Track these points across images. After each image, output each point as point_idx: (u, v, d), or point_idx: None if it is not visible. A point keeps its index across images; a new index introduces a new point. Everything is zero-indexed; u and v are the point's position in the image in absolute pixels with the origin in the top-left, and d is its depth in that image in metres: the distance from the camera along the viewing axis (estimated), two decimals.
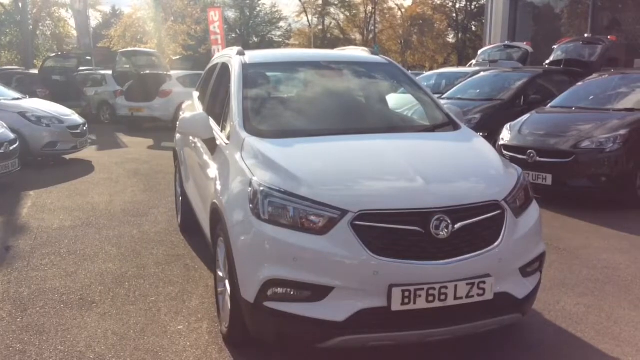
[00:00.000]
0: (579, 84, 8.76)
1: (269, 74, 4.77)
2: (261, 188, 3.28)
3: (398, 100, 5.22)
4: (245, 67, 4.54)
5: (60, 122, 10.41)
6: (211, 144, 4.27)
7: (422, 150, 3.81)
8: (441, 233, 3.08)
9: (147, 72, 17.26)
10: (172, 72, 17.58)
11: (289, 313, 3.14)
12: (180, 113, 6.34)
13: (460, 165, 3.65)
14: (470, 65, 17.09)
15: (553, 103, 8.46)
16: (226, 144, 4.07)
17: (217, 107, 4.88)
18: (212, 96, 5.16)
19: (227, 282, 3.67)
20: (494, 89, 10.44)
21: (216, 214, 3.82)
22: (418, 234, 3.07)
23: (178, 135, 6.17)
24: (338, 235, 3.07)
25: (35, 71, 18.98)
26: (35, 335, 3.86)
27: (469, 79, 11.52)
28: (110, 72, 18.97)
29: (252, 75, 4.51)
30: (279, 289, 3.17)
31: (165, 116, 16.58)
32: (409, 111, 4.84)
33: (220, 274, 3.88)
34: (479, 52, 17.23)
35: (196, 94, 6.13)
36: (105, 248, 5.71)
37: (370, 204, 3.12)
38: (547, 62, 12.52)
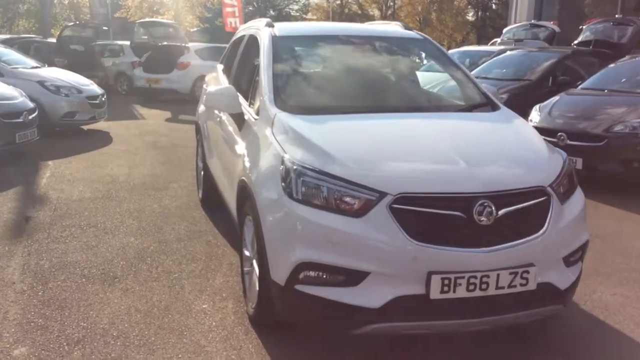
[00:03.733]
0: (611, 65, 8.49)
1: (299, 47, 4.59)
2: (294, 167, 3.14)
3: (430, 78, 5.03)
4: (275, 39, 4.36)
5: (79, 92, 10.30)
6: (239, 119, 4.12)
7: (462, 131, 3.64)
8: (484, 219, 2.93)
9: (165, 43, 17.05)
10: (191, 44, 17.38)
11: (322, 297, 3.01)
12: (204, 86, 6.18)
13: (504, 148, 3.48)
14: (494, 44, 16.74)
15: (584, 85, 8.21)
16: (255, 119, 3.92)
17: (244, 81, 4.73)
18: (238, 69, 5.00)
19: (254, 262, 3.55)
20: (522, 69, 10.17)
21: (244, 192, 3.70)
22: (460, 220, 2.93)
23: (201, 109, 6.02)
24: (375, 219, 2.93)
25: (53, 40, 18.83)
26: (57, 310, 3.77)
27: (495, 58, 11.24)
28: (128, 42, 18.79)
29: (283, 48, 4.34)
30: (311, 272, 3.04)
31: (182, 89, 16.45)
32: (442, 90, 4.64)
33: (247, 253, 3.76)
34: (504, 30, 16.83)
35: (220, 67, 5.98)
36: (126, 221, 5.61)
37: (410, 186, 2.97)
38: (576, 42, 12.18)
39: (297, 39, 4.62)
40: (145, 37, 17.69)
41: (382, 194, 2.94)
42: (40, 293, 4.02)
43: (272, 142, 3.49)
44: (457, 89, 4.46)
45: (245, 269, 3.83)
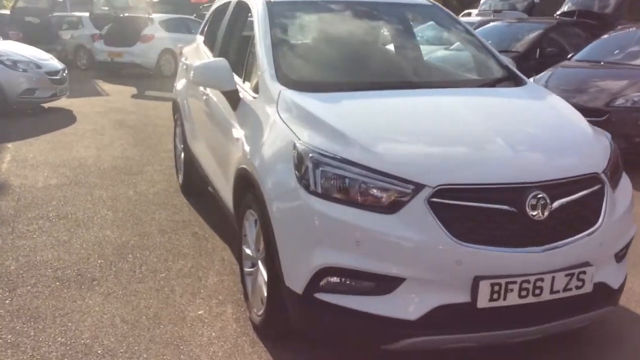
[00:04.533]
0: (604, 36, 8.18)
1: (299, 13, 4.06)
2: (310, 154, 2.67)
3: (437, 49, 4.56)
4: (269, 5, 3.84)
5: (38, 67, 9.53)
6: (233, 98, 3.61)
7: (496, 110, 3.21)
8: (538, 213, 2.51)
9: (127, 14, 16.18)
10: (155, 16, 16.52)
11: (347, 308, 2.58)
12: (182, 60, 5.60)
13: (548, 129, 3.06)
14: (467, 15, 16.37)
15: (578, 56, 7.88)
16: (254, 97, 3.42)
17: (234, 54, 4.20)
18: (225, 41, 4.45)
19: (260, 263, 3.09)
20: (506, 41, 9.80)
21: (245, 181, 3.22)
22: (510, 215, 2.51)
23: (180, 85, 5.45)
24: (411, 215, 2.50)
25: (6, 12, 17.71)
26: (29, 323, 3.26)
27: (478, 30, 10.84)
28: (87, 14, 17.81)
29: (280, 15, 3.82)
30: (334, 278, 2.61)
31: (147, 63, 15.69)
32: (454, 62, 4.19)
33: (248, 251, 3.30)
34: (482, 1, 16.44)
35: (201, 39, 5.40)
36: (99, 212, 5.06)
37: (452, 176, 2.53)
38: (559, 13, 11.86)
39: (296, 5, 4.08)
40: (106, 7, 16.75)
41: (419, 186, 2.50)
42: (7, 302, 3.49)
43: (279, 124, 3.01)
44: (473, 61, 4.02)
45: (246, 269, 3.37)
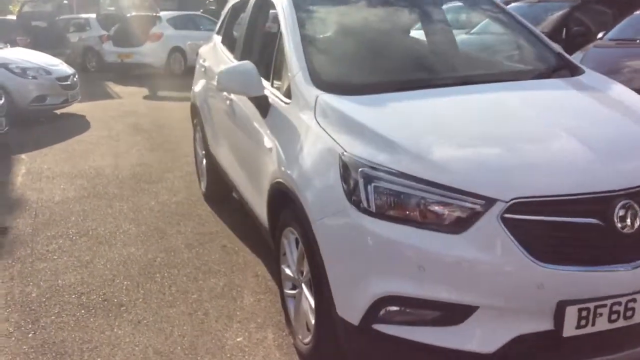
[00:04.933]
0: (637, 13, 7.75)
1: (330, 6, 3.72)
2: (360, 168, 2.37)
3: (474, 38, 4.23)
4: None
5: (48, 73, 9.27)
6: (262, 104, 3.31)
7: (562, 106, 2.88)
8: (627, 225, 2.20)
9: (134, 13, 15.90)
10: (162, 13, 16.23)
11: (411, 340, 2.29)
12: (200, 61, 5.30)
13: (626, 125, 2.73)
14: None
15: (611, 35, 7.48)
16: (286, 103, 3.12)
17: (256, 55, 3.90)
18: (246, 41, 4.14)
19: (304, 287, 2.81)
20: (532, 21, 9.38)
21: (281, 197, 2.93)
22: (596, 229, 2.19)
23: (198, 87, 5.16)
24: (482, 234, 2.19)
25: (13, 17, 17.50)
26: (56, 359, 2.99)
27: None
28: (93, 15, 17.54)
29: (307, 9, 3.50)
30: (395, 307, 2.31)
31: (157, 62, 15.43)
32: (497, 49, 3.83)
33: (289, 272, 3.02)
34: None
35: (218, 38, 5.09)
36: (121, 226, 4.80)
37: (527, 187, 2.22)
38: None
39: None
40: (112, 7, 16.50)
41: (490, 201, 2.19)
42: (30, 335, 3.23)
43: (318, 132, 2.71)
44: (515, 47, 3.67)
45: (287, 290, 3.09)
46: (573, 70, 3.35)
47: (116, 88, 13.60)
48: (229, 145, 4.21)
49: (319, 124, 2.75)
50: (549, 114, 2.66)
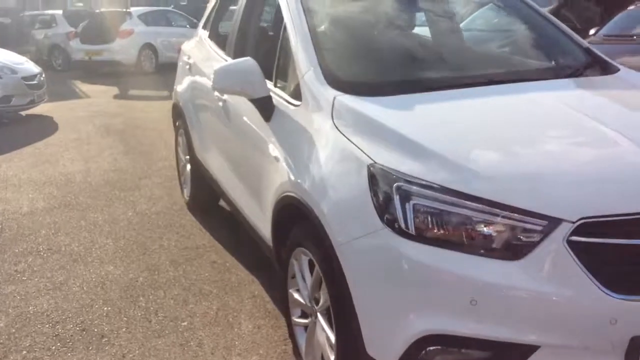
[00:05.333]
0: (632, 7, 7.57)
1: None
2: (397, 183, 2.01)
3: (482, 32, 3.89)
4: None
5: (13, 72, 8.69)
6: (265, 106, 2.91)
7: (610, 108, 2.56)
8: None
9: (103, 9, 15.32)
10: (133, 9, 15.64)
11: None
12: (184, 59, 4.85)
13: None
14: None
15: (605, 31, 7.27)
16: (294, 105, 2.74)
17: (253, 51, 3.50)
18: (240, 35, 3.74)
19: (320, 316, 2.43)
20: None
21: (292, 212, 2.57)
22: None
23: (183, 86, 4.72)
24: (544, 261, 1.85)
25: None
26: None
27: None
28: (60, 11, 16.85)
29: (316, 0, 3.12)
30: (439, 347, 1.95)
31: (127, 60, 14.84)
32: (519, 46, 3.48)
33: (299, 298, 2.64)
34: None
35: (204, 33, 4.66)
36: (97, 240, 4.35)
37: (598, 205, 1.88)
38: None
39: None
40: (80, 3, 15.86)
41: (554, 222, 1.85)
42: None
43: (338, 139, 2.35)
44: (541, 42, 3.34)
45: (296, 319, 2.71)
46: (604, 67, 3.03)
47: (84, 87, 13.00)
48: (222, 152, 3.80)
49: (337, 129, 2.38)
50: (601, 118, 2.33)
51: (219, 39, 4.28)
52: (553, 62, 3.20)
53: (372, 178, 2.08)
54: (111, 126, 8.56)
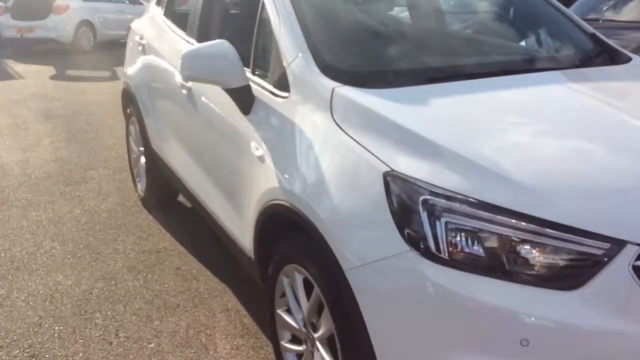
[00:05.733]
0: None
1: None
2: (424, 196, 1.68)
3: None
4: None
5: None
6: (243, 97, 2.52)
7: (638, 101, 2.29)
8: None
9: None
10: None
11: None
12: (134, 38, 4.35)
13: None
14: None
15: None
16: (281, 97, 2.35)
17: (222, 31, 3.09)
18: (205, 12, 3.30)
19: (321, 346, 2.09)
20: None
21: (282, 223, 2.20)
22: None
23: (134, 70, 4.24)
24: (606, 290, 1.56)
25: None
26: None
27: None
28: None
29: None
30: None
31: (63, 37, 13.93)
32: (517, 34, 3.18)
33: (291, 321, 2.29)
34: None
35: (158, 10, 4.18)
36: (42, 244, 3.86)
37: None
38: None
39: None
40: None
41: (617, 244, 1.56)
42: None
43: (341, 139, 2.00)
44: (551, 31, 3.04)
45: (286, 344, 2.36)
46: (614, 56, 2.77)
47: (17, 67, 12.10)
48: (185, 145, 3.38)
49: (339, 126, 2.02)
50: (631, 113, 2.05)
51: (177, 17, 3.83)
52: (563, 51, 2.91)
53: (390, 188, 1.74)
54: (50, 110, 7.90)
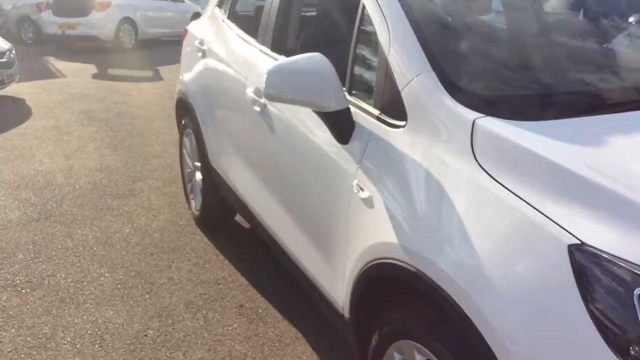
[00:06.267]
0: None
1: None
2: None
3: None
4: None
5: None
6: (341, 122, 2.08)
7: None
8: None
9: None
10: None
11: None
12: (194, 43, 3.94)
13: None
14: None
15: None
16: (394, 126, 1.90)
17: (306, 41, 2.65)
18: (282, 18, 2.87)
19: None
20: None
21: (396, 286, 1.74)
22: None
23: (191, 77, 3.83)
24: None
25: None
26: None
27: None
28: None
29: None
30: None
31: (104, 34, 13.70)
32: None
33: None
34: None
35: (220, 12, 3.76)
36: (89, 270, 3.49)
37: None
38: None
39: None
40: None
41: None
42: None
43: (495, 191, 1.52)
44: None
45: None
46: None
47: (58, 64, 11.88)
48: (254, 166, 2.96)
49: (487, 172, 1.56)
50: None
51: (244, 21, 3.41)
52: None
53: (581, 269, 1.28)
54: (93, 112, 7.58)
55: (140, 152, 5.83)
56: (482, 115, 1.66)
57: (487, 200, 1.52)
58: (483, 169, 1.57)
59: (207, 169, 3.70)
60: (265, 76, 2.07)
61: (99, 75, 10.74)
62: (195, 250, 3.74)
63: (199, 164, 3.88)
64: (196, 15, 16.79)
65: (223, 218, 3.94)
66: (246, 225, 4.00)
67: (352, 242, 1.98)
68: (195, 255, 3.67)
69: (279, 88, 2.07)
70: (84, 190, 4.77)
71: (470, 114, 1.67)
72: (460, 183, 1.61)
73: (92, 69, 11.34)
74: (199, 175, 3.93)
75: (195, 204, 4.08)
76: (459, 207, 1.57)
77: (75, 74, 10.70)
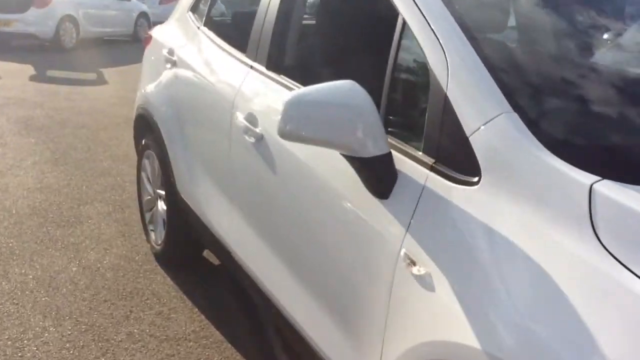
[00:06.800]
0: None
1: None
2: None
3: None
4: None
5: None
6: (380, 172, 1.60)
7: None
8: None
9: None
10: None
11: None
12: (161, 52, 3.33)
13: None
14: None
15: None
16: (464, 184, 1.44)
17: (319, 63, 2.17)
18: (281, 28, 2.37)
19: None
20: None
21: None
22: None
23: (154, 90, 3.27)
24: None
25: None
26: None
27: None
28: None
29: None
30: None
31: (43, 32, 12.80)
32: None
33: None
34: None
35: (194, 18, 3.23)
36: (31, 323, 2.89)
37: None
38: None
39: None
40: None
41: None
42: None
43: (630, 286, 1.07)
44: None
45: None
46: None
47: None
48: (244, 211, 2.45)
49: (618, 260, 1.12)
50: None
51: (227, 31, 2.90)
52: None
53: None
54: (31, 120, 6.84)
55: (86, 168, 5.19)
56: (599, 178, 1.22)
57: (617, 296, 1.08)
58: (609, 252, 1.13)
59: (174, 200, 3.15)
60: (281, 108, 1.58)
61: (38, 78, 9.90)
62: (157, 295, 3.18)
63: (162, 192, 3.33)
64: (142, 15, 16.04)
65: (190, 254, 3.40)
66: (215, 261, 3.48)
67: (395, 333, 1.51)
68: (157, 302, 3.12)
69: (300, 124, 1.57)
70: (22, 216, 4.11)
71: (585, 177, 1.23)
72: (571, 266, 1.16)
73: (30, 70, 10.46)
74: (161, 205, 3.38)
75: (156, 237, 3.52)
76: (576, 304, 1.12)
77: (11, 76, 9.81)
